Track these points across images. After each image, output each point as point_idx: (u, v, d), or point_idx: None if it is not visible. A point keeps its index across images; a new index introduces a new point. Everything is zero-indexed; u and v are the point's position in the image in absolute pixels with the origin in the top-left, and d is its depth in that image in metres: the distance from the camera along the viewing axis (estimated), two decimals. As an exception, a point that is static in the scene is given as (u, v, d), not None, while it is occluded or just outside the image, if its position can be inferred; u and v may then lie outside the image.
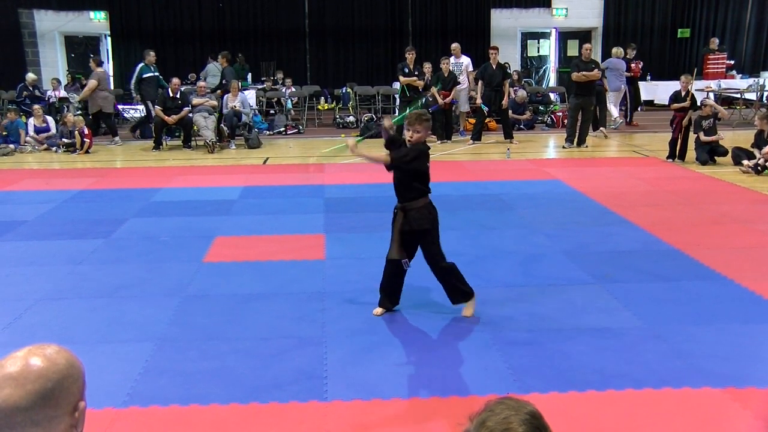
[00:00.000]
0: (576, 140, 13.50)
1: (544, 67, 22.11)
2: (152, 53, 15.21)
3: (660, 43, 21.27)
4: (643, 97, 19.02)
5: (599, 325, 4.94)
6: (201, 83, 15.28)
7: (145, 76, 14.95)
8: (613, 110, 15.94)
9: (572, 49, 20.93)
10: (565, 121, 14.92)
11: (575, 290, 5.67)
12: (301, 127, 16.73)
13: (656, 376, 4.11)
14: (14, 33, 20.11)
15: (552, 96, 18.90)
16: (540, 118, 17.13)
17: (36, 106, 14.72)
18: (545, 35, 21.93)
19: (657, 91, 18.73)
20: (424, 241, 5.03)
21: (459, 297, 5.14)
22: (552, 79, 21.82)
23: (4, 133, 14.08)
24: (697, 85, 14.94)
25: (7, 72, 19.12)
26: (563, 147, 13.48)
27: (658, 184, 9.87)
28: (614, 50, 16.23)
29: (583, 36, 20.69)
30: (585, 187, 9.57)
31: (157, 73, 15.15)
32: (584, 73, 13.26)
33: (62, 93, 17.37)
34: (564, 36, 21.77)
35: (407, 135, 4.89)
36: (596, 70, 13.46)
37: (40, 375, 1.55)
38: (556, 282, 5.87)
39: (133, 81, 15.29)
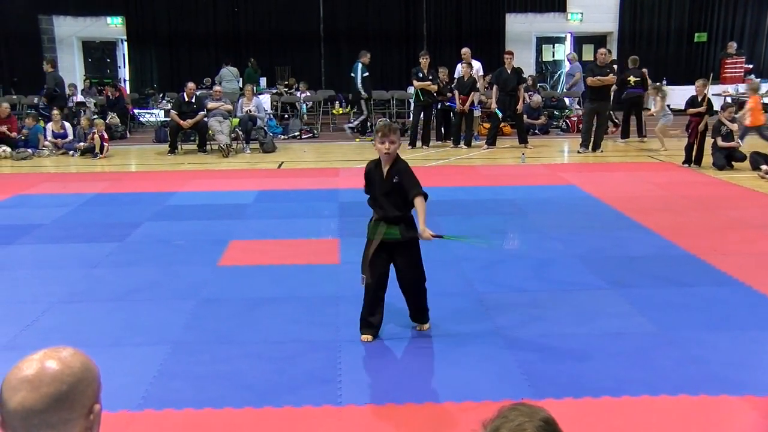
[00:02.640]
0: (591, 145, 13.44)
1: (558, 72, 22.06)
2: (368, 54, 15.65)
3: (676, 48, 21.19)
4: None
5: (613, 330, 4.91)
6: (216, 88, 15.36)
7: (365, 75, 15.43)
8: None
9: (587, 53, 20.86)
10: (580, 125, 14.87)
11: (589, 295, 5.64)
12: (315, 132, 16.77)
13: (672, 383, 4.08)
14: (34, 39, 20.35)
15: (566, 100, 18.84)
16: (555, 123, 17.08)
17: (55, 111, 14.81)
18: (560, 40, 21.89)
19: (673, 96, 18.61)
20: (415, 252, 4.82)
21: (426, 316, 4.97)
22: (566, 84, 21.77)
23: (23, 138, 14.18)
24: (714, 89, 14.86)
25: (27, 77, 19.32)
26: (578, 152, 13.43)
27: (673, 189, 9.82)
28: (571, 55, 16.06)
29: (599, 40, 20.65)
30: (600, 192, 9.53)
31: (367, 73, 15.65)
32: (599, 77, 13.20)
33: (79, 97, 17.50)
34: (579, 40, 21.72)
35: (383, 147, 4.58)
36: (612, 75, 13.39)
37: (55, 378, 1.56)
38: (570, 287, 5.85)
39: (359, 80, 15.50)
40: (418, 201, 4.65)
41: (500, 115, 14.29)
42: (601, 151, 13.39)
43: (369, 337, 4.78)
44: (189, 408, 3.88)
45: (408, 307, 4.95)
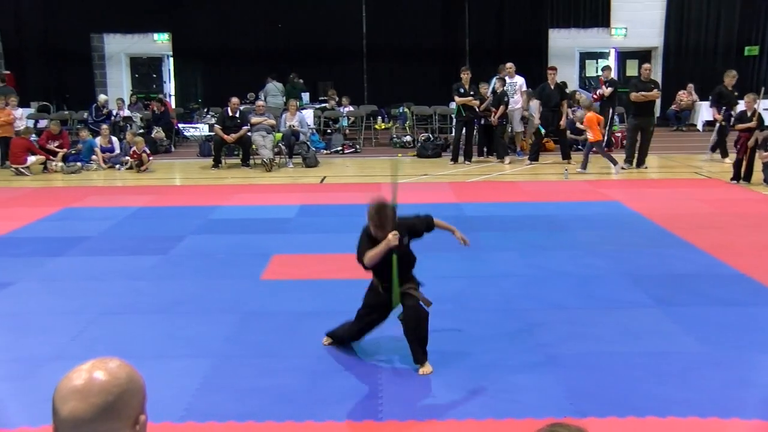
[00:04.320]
0: (635, 161, 13.28)
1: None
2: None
3: (724, 62, 20.69)
4: (707, 117, 18.63)
5: (658, 349, 4.83)
6: (259, 102, 15.53)
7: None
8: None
9: (631, 68, 20.65)
10: (624, 141, 14.71)
11: (633, 313, 5.56)
12: (358, 147, 16.84)
13: (721, 405, 3.99)
14: (86, 56, 20.92)
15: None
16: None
17: (104, 126, 15.17)
18: (603, 55, 21.70)
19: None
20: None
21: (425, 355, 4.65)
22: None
23: (74, 152, 14.50)
24: (765, 104, 14.56)
25: (78, 93, 19.79)
26: (622, 168, 13.27)
27: (721, 206, 9.64)
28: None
29: (643, 56, 20.38)
30: (644, 208, 9.40)
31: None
32: (643, 93, 13.06)
33: (126, 112, 17.83)
34: (623, 56, 21.51)
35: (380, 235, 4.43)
36: (655, 90, 13.23)
37: (102, 389, 1.59)
38: (613, 305, 5.77)
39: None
40: (438, 222, 4.85)
41: (543, 130, 14.22)
42: (646, 167, 13.23)
43: (329, 340, 4.96)
44: (231, 421, 3.90)
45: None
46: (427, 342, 4.57)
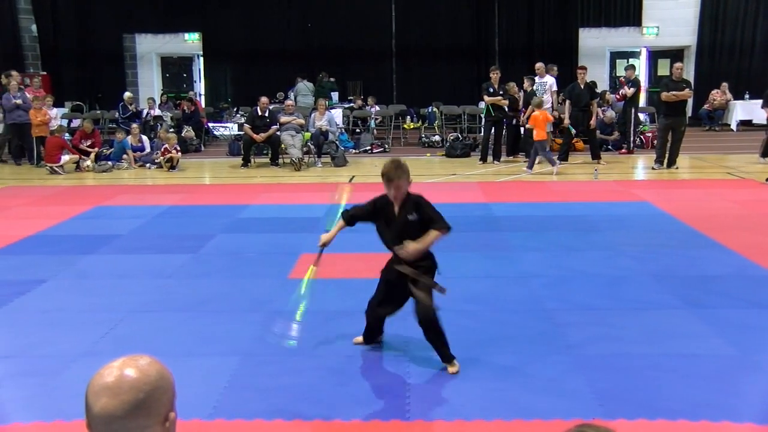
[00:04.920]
0: (666, 161, 13.15)
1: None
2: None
3: (761, 60, 20.36)
4: (741, 116, 18.39)
5: (688, 351, 4.77)
6: (288, 102, 15.59)
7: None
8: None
9: (663, 68, 20.42)
10: (655, 141, 14.58)
11: (663, 315, 5.50)
12: (386, 146, 16.86)
13: (756, 410, 3.92)
14: (118, 56, 21.22)
15: (641, 116, 18.47)
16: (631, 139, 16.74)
17: (134, 125, 15.36)
18: (634, 54, 21.50)
19: (755, 110, 18.05)
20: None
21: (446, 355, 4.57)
22: (642, 99, 21.33)
23: (106, 152, 14.68)
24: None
25: (110, 93, 20.07)
26: (652, 168, 13.15)
27: (754, 207, 9.51)
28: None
29: (675, 55, 20.15)
30: (674, 209, 9.30)
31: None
32: (674, 92, 12.91)
33: (156, 111, 18.01)
34: (654, 55, 21.29)
35: (390, 194, 4.35)
36: (687, 90, 13.06)
37: (133, 386, 1.61)
38: (643, 306, 5.72)
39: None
40: (434, 233, 4.32)
41: (573, 131, 14.14)
42: (677, 168, 13.08)
43: (360, 339, 4.92)
44: (259, 419, 3.93)
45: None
46: (445, 337, 4.48)
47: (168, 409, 1.68)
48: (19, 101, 14.64)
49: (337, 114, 16.84)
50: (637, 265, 6.82)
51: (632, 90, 15.32)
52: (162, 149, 14.15)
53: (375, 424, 3.87)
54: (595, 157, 14.03)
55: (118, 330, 5.36)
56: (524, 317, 5.47)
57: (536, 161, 13.11)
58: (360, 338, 4.94)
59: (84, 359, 4.70)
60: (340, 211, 4.72)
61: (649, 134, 16.27)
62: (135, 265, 7.16)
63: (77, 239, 8.18)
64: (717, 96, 19.26)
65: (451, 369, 4.47)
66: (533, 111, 13.28)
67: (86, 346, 4.99)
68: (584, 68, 14.58)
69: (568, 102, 14.20)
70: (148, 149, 14.84)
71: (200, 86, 22.19)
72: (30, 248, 7.83)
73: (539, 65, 15.16)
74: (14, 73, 15.39)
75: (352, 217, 4.69)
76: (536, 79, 14.89)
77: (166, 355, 4.59)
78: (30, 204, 10.50)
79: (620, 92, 15.70)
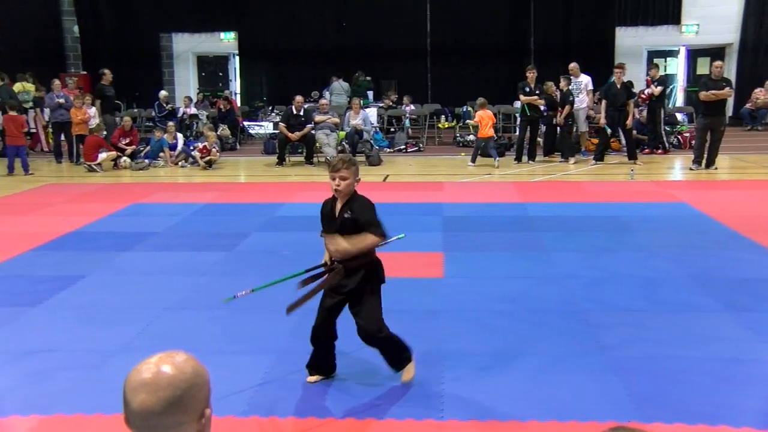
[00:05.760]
0: (704, 162, 12.94)
1: (671, 86, 21.35)
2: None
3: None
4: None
5: (728, 355, 4.70)
6: (323, 101, 15.64)
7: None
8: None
9: (702, 67, 20.06)
10: (693, 141, 14.36)
11: (700, 317, 5.43)
12: (421, 145, 16.84)
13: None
14: (155, 55, 21.52)
15: (679, 116, 18.22)
16: (666, 139, 16.53)
17: (170, 124, 15.52)
18: (673, 53, 21.20)
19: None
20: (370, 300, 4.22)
21: (400, 363, 4.32)
22: (680, 99, 21.05)
23: (144, 150, 14.85)
24: None
25: (146, 91, 20.32)
26: (690, 169, 12.96)
27: (795, 208, 9.33)
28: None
29: (716, 53, 19.78)
30: (713, 210, 9.16)
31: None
32: (714, 92, 12.68)
33: (192, 110, 18.18)
34: (694, 54, 20.97)
35: (333, 184, 4.21)
36: (727, 89, 12.82)
37: (170, 383, 1.63)
38: (680, 308, 5.64)
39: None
40: (369, 237, 4.07)
41: (609, 130, 14.00)
42: (716, 168, 12.87)
43: (313, 379, 4.40)
44: (293, 416, 3.95)
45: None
46: (394, 344, 4.21)
47: (204, 405, 1.70)
48: (61, 100, 14.96)
49: (372, 113, 16.85)
50: (673, 267, 6.73)
51: (659, 89, 15.13)
52: (201, 146, 14.27)
53: (409, 423, 3.87)
54: (632, 157, 13.87)
55: (154, 326, 5.43)
56: (559, 318, 5.43)
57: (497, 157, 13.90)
58: (312, 378, 4.43)
59: (122, 355, 4.77)
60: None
61: (687, 134, 16.04)
62: (170, 262, 7.23)
63: (114, 236, 8.29)
64: (760, 95, 18.86)
65: (404, 377, 4.25)
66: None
67: (123, 342, 5.07)
68: (621, 67, 14.39)
69: (604, 101, 14.04)
70: (179, 147, 14.94)
71: (236, 85, 22.37)
72: (70, 245, 7.96)
73: (573, 65, 15.03)
74: (56, 81, 15.78)
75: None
76: (572, 78, 14.77)
77: (201, 352, 4.61)
78: (69, 201, 10.67)
79: (645, 92, 15.48)
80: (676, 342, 4.94)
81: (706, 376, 4.36)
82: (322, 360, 4.39)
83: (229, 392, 4.17)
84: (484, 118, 14.10)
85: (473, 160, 14.05)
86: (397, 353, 4.28)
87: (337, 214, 4.22)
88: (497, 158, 13.86)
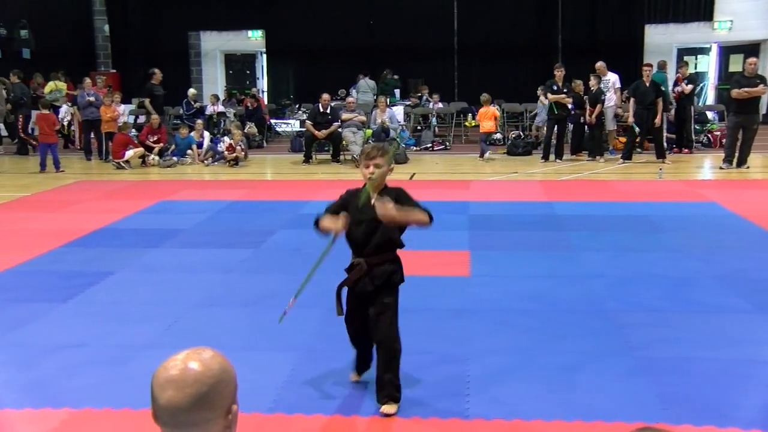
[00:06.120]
0: (735, 161, 12.78)
1: (701, 84, 21.07)
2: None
3: None
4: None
5: (761, 357, 4.63)
6: (350, 99, 15.67)
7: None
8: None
9: (735, 64, 19.73)
10: (723, 140, 14.19)
11: (731, 318, 5.36)
12: (447, 144, 16.81)
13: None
14: (183, 53, 21.71)
15: (709, 114, 18.00)
16: (696, 138, 16.34)
17: (198, 121, 15.65)
18: (704, 50, 20.93)
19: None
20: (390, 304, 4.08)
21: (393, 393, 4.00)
22: (710, 97, 20.77)
23: (171, 147, 14.99)
24: None
25: (174, 89, 20.46)
26: (721, 168, 12.81)
27: (827, 208, 9.18)
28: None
29: (750, 50, 19.44)
30: (744, 210, 9.03)
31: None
32: (747, 89, 12.48)
33: (220, 108, 18.30)
34: (726, 51, 20.67)
35: (366, 172, 3.95)
36: (761, 86, 12.59)
37: (197, 379, 1.64)
38: (709, 309, 5.58)
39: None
40: (419, 212, 3.86)
41: (637, 129, 13.87)
42: (747, 168, 12.70)
43: (356, 377, 4.36)
44: (318, 414, 3.96)
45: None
46: (397, 370, 3.98)
47: (230, 401, 1.71)
48: (92, 98, 15.15)
49: (399, 111, 16.85)
50: (703, 267, 6.66)
51: (690, 86, 14.97)
52: (227, 144, 14.36)
53: (434, 421, 3.86)
54: (660, 156, 13.73)
55: (181, 323, 5.47)
56: (585, 317, 5.39)
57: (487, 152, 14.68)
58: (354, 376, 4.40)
59: (149, 351, 4.81)
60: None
61: (717, 132, 15.85)
62: (197, 259, 7.28)
63: (142, 233, 8.37)
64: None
65: (385, 408, 3.92)
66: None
67: (151, 338, 5.11)
68: (650, 65, 14.28)
69: (632, 100, 13.92)
70: (205, 145, 15.04)
71: (263, 83, 22.47)
72: (98, 241, 8.04)
73: (600, 64, 14.92)
74: (86, 79, 16.05)
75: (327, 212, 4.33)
76: (600, 76, 14.66)
77: (228, 348, 4.64)
78: (98, 198, 10.78)
79: (676, 89, 15.30)
80: (705, 343, 4.88)
81: (737, 379, 4.31)
82: (364, 358, 4.34)
83: (255, 389, 4.18)
84: (485, 114, 14.87)
85: (481, 156, 14.60)
86: (396, 376, 3.98)
87: (371, 202, 3.94)
88: (487, 153, 14.60)
